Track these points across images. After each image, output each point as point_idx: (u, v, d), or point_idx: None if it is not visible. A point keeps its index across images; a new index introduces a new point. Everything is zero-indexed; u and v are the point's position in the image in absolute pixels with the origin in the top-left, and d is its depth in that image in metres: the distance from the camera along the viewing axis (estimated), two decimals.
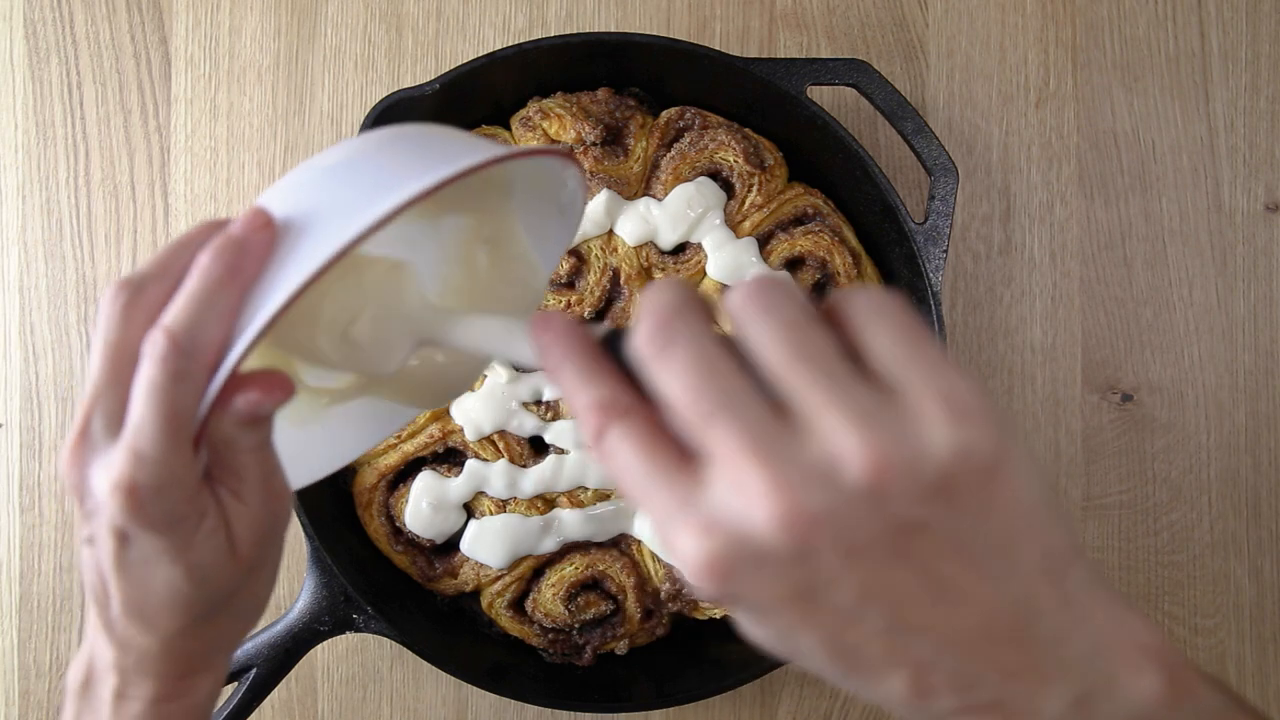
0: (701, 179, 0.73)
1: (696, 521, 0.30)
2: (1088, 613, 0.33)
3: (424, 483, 0.72)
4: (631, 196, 0.73)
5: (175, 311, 0.37)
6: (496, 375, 0.72)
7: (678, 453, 0.31)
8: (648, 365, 0.31)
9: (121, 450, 0.37)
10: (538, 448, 0.73)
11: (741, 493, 0.30)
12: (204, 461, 0.40)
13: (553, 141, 0.72)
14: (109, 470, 0.37)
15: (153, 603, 0.40)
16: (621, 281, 0.72)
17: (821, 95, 0.77)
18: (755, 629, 0.33)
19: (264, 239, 0.37)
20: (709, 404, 0.30)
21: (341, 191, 0.38)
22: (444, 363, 0.47)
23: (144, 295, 0.38)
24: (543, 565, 0.74)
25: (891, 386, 0.30)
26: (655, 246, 0.73)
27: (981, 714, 0.33)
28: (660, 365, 0.31)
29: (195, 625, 0.42)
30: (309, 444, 0.47)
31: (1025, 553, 0.32)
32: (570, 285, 0.72)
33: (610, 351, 0.33)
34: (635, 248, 0.72)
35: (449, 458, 0.74)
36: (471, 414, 0.72)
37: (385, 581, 0.73)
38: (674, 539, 0.31)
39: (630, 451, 0.31)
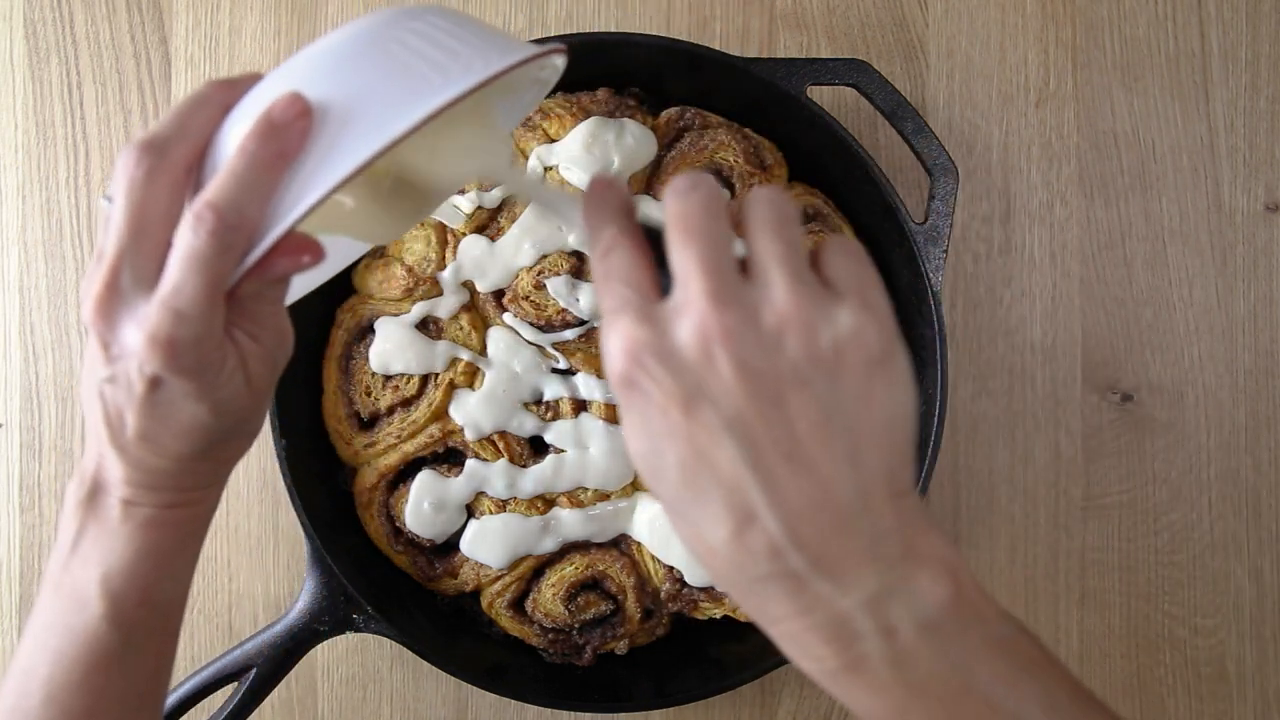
0: None
1: (639, 313, 0.37)
2: (909, 524, 0.37)
3: (424, 483, 0.72)
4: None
5: (221, 189, 0.40)
6: (497, 374, 0.72)
7: (658, 285, 0.38)
8: (669, 196, 0.38)
9: (159, 307, 0.41)
10: (538, 448, 0.73)
11: (684, 298, 0.37)
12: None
13: (550, 140, 0.72)
14: (144, 324, 0.41)
15: (172, 432, 0.44)
16: None
17: (821, 95, 0.77)
18: (637, 437, 0.38)
19: (304, 126, 0.40)
20: (698, 233, 0.37)
21: (377, 83, 0.40)
22: (401, 202, 0.49)
23: (167, 158, 0.41)
24: (543, 565, 0.74)
25: (832, 282, 0.38)
26: None
27: (784, 582, 0.37)
28: (678, 197, 0.38)
29: (209, 448, 0.46)
30: None
31: (877, 455, 0.37)
32: (576, 274, 0.72)
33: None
34: None
35: (449, 458, 0.74)
36: (472, 414, 0.72)
37: (385, 581, 0.73)
38: (615, 322, 0.37)
39: (623, 261, 0.39)
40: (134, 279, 0.41)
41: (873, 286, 0.38)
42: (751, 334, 0.36)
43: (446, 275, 0.72)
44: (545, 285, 0.72)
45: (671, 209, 0.38)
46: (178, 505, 0.46)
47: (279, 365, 0.47)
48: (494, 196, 0.72)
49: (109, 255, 0.41)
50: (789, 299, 0.36)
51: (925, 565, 0.37)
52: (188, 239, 0.40)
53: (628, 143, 0.72)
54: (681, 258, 0.37)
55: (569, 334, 0.72)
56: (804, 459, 0.36)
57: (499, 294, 0.73)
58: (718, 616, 0.74)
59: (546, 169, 0.72)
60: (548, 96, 0.74)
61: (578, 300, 0.72)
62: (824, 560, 0.36)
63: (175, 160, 0.42)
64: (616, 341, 0.37)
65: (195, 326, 0.41)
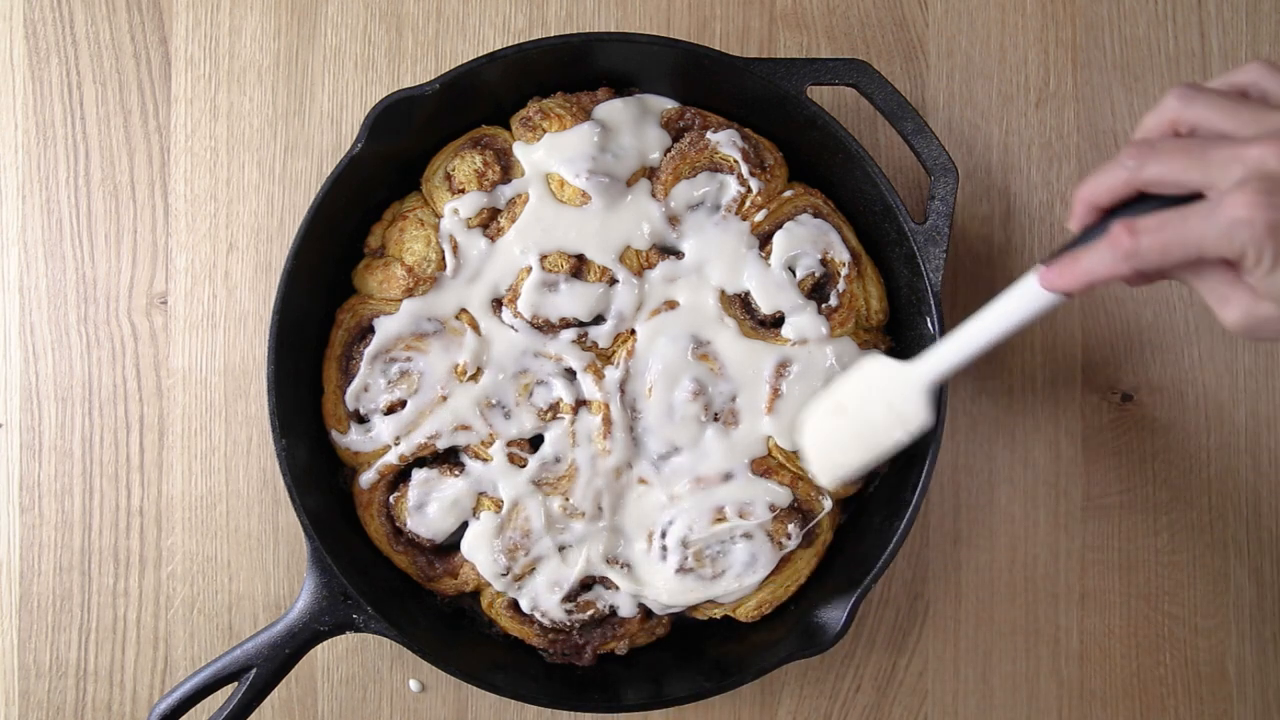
0: (708, 177, 0.73)
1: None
2: None
3: (424, 483, 0.72)
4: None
5: None
6: (496, 375, 0.72)
7: None
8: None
9: None
10: (537, 448, 0.73)
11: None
12: None
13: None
14: None
15: None
16: (621, 280, 0.72)
17: (821, 95, 0.77)
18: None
19: None
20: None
21: None
22: None
23: None
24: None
25: None
26: (659, 248, 0.73)
27: None
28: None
29: None
30: None
31: None
32: (575, 274, 0.72)
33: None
34: (637, 251, 0.72)
35: (449, 458, 0.74)
36: (471, 414, 0.72)
37: (385, 581, 0.73)
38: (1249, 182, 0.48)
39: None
40: None
41: None
42: None
43: (447, 275, 0.72)
44: (544, 286, 0.72)
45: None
46: None
47: None
48: (495, 195, 0.72)
49: None
50: None
51: None
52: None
53: (627, 142, 0.72)
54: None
55: (568, 334, 0.72)
56: None
57: (498, 294, 0.73)
58: (717, 617, 0.74)
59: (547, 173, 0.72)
60: (547, 97, 0.74)
61: (577, 301, 0.72)
62: None
63: None
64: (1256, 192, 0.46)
65: None
